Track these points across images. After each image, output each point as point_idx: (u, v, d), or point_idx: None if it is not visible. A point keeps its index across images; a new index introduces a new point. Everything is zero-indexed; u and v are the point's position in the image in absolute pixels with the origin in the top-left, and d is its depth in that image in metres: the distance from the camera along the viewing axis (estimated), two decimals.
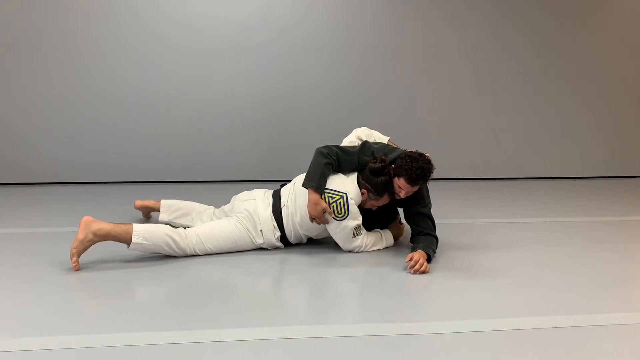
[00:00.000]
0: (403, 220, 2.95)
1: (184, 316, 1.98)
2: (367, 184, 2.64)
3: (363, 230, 2.74)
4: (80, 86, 4.22)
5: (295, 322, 1.98)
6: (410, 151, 2.64)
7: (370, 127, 3.06)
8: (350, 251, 2.74)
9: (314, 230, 2.72)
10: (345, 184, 2.65)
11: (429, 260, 2.54)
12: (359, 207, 2.67)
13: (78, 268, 2.36)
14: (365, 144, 2.76)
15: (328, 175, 2.65)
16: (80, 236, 2.36)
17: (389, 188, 2.64)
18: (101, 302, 2.12)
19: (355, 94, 4.60)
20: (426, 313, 2.09)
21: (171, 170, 4.46)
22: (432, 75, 4.72)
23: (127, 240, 2.46)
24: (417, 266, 2.45)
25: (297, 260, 2.65)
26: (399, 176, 2.58)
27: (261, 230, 2.69)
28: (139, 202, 3.14)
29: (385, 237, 2.84)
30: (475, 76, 4.79)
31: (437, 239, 2.70)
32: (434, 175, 2.62)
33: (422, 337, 1.88)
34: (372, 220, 2.89)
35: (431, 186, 2.75)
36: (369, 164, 2.65)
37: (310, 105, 4.54)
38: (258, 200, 2.74)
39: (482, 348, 1.81)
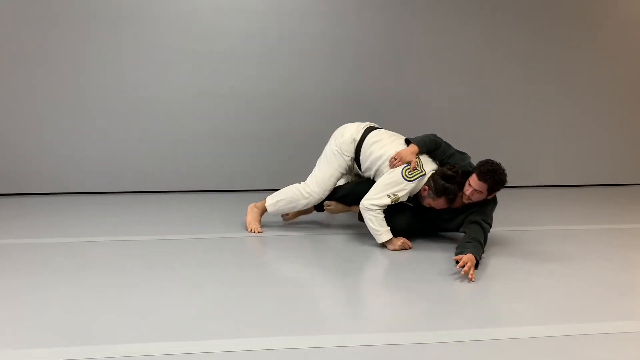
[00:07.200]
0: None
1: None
2: (431, 182, 2.84)
3: (381, 215, 2.90)
4: (80, 95, 4.23)
5: (290, 332, 1.99)
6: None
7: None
8: (361, 207, 2.93)
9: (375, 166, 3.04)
10: (431, 170, 2.93)
11: (475, 266, 2.56)
12: (419, 200, 2.95)
13: (261, 230, 3.22)
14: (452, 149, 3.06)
15: (430, 146, 2.99)
16: (251, 215, 3.27)
17: (447, 194, 2.81)
18: (117, 313, 2.13)
19: (356, 101, 4.60)
20: (423, 321, 2.09)
21: (173, 179, 4.47)
22: (432, 81, 4.73)
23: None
24: (465, 268, 2.47)
25: (310, 263, 2.67)
26: (471, 174, 2.76)
27: (340, 147, 3.13)
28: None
29: (385, 234, 2.91)
30: (475, 83, 4.80)
31: (483, 248, 2.72)
32: None
33: (416, 346, 1.88)
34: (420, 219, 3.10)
35: None
36: (445, 169, 2.86)
37: (310, 113, 4.55)
38: (350, 127, 3.22)
39: (480, 358, 1.81)
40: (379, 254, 2.90)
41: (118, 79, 4.27)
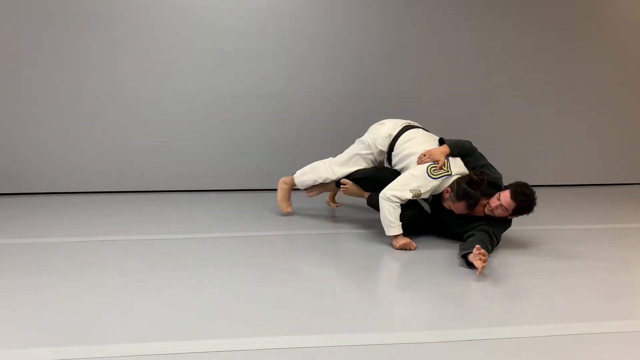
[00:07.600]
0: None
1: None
2: (455, 185, 2.85)
3: (398, 209, 2.90)
4: (80, 95, 4.23)
5: (285, 332, 1.99)
6: None
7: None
8: (381, 196, 2.92)
9: (405, 161, 3.09)
10: (457, 173, 2.93)
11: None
12: (440, 200, 2.98)
13: (291, 210, 3.52)
14: (486, 161, 3.11)
15: (463, 151, 3.02)
16: (280, 194, 3.54)
17: (468, 199, 2.82)
18: (118, 312, 2.13)
19: (355, 101, 4.61)
20: (423, 321, 2.09)
21: (173, 179, 4.46)
22: (432, 81, 4.73)
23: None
24: (484, 257, 2.48)
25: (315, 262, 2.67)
26: (504, 189, 2.81)
27: (374, 140, 3.26)
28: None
29: (397, 229, 2.90)
30: (475, 83, 4.80)
31: (489, 250, 2.75)
32: None
33: (416, 346, 1.88)
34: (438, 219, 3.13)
35: None
36: (472, 174, 2.88)
37: (310, 113, 4.55)
38: (388, 123, 3.33)
39: (480, 358, 1.81)
40: (381, 254, 2.90)
41: (118, 79, 4.27)
